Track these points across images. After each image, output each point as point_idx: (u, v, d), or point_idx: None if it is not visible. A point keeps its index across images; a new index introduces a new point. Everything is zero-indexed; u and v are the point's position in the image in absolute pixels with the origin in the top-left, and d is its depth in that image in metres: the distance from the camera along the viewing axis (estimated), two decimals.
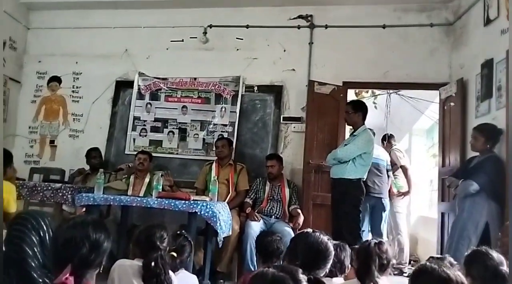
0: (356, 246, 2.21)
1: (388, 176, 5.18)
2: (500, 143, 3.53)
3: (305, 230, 2.05)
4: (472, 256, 2.06)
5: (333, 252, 1.87)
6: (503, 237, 2.78)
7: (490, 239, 3.26)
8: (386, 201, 5.01)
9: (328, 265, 1.84)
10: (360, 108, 4.18)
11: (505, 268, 1.90)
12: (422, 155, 7.49)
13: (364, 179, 4.11)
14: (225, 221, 3.57)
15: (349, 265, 2.17)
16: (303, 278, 1.25)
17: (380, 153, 5.10)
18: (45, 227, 1.76)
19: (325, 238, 1.88)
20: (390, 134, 5.70)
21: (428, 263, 1.52)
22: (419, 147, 7.56)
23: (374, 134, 5.34)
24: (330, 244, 1.87)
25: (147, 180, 4.64)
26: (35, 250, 1.71)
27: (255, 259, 4.05)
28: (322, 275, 1.80)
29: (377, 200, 4.93)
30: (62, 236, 1.42)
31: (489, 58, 3.88)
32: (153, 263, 1.94)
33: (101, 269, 1.50)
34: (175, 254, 2.33)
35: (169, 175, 4.77)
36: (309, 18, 5.26)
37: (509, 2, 3.30)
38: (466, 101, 4.36)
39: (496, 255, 1.98)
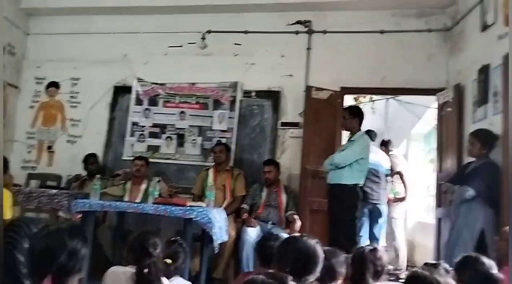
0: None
1: (387, 181, 5.17)
2: (496, 148, 3.52)
3: (293, 235, 2.04)
4: (462, 262, 2.06)
5: (322, 256, 1.85)
6: (500, 241, 2.77)
7: (486, 245, 3.25)
8: (383, 207, 5.01)
9: (318, 270, 1.82)
10: (357, 113, 4.19)
11: (495, 272, 1.90)
12: (420, 160, 7.49)
13: (361, 185, 4.10)
14: (220, 228, 3.56)
15: (343, 272, 2.16)
16: None
17: (380, 159, 5.10)
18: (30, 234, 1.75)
19: (313, 242, 1.86)
20: (388, 140, 5.71)
21: (420, 270, 1.52)
22: (417, 152, 7.55)
23: (376, 135, 5.37)
24: (319, 247, 1.86)
25: (144, 186, 4.63)
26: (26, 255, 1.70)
27: (251, 265, 4.05)
28: (312, 280, 1.79)
29: (374, 206, 4.93)
30: (38, 245, 1.40)
31: (486, 63, 3.88)
32: (146, 270, 1.94)
33: (83, 274, 1.48)
34: (169, 261, 2.32)
35: (172, 186, 4.73)
36: (307, 23, 5.27)
37: (509, 7, 3.30)
38: (463, 106, 4.36)
39: (486, 260, 1.98)
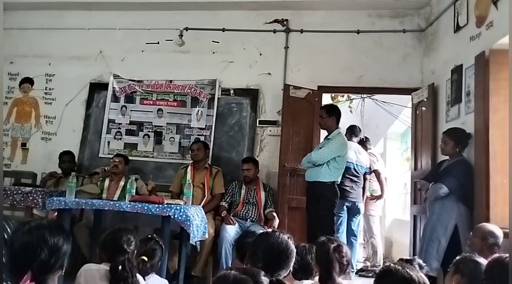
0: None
1: (365, 179, 5.24)
2: (469, 147, 3.61)
3: (265, 231, 2.05)
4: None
5: (294, 251, 1.87)
6: (473, 237, 2.84)
7: (459, 241, 3.33)
8: (361, 205, 5.07)
9: (291, 264, 1.84)
10: (333, 112, 4.22)
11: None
12: (397, 159, 7.62)
13: (339, 182, 4.14)
14: (198, 226, 3.55)
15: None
16: (265, 280, 1.26)
17: (362, 159, 5.14)
18: (9, 231, 1.73)
19: (285, 236, 1.88)
20: (365, 137, 5.78)
21: (392, 264, 1.54)
22: (393, 151, 7.68)
23: (360, 130, 5.42)
24: (291, 242, 1.88)
25: (122, 183, 4.57)
26: (5, 251, 1.68)
27: (230, 262, 4.05)
28: (285, 275, 1.81)
29: (353, 204, 4.98)
30: (18, 242, 1.38)
31: (459, 64, 3.98)
32: (120, 267, 1.92)
33: (63, 271, 1.47)
34: (145, 258, 2.31)
35: (152, 180, 4.70)
36: (284, 22, 5.30)
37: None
38: (437, 106, 4.46)
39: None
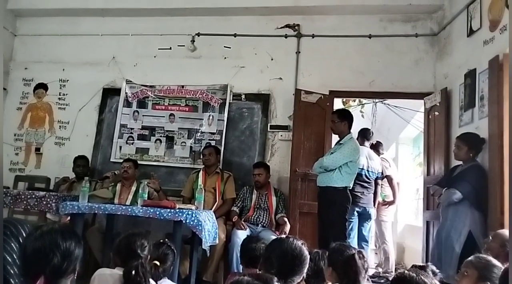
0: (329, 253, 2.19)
1: (377, 185, 5.19)
2: (482, 152, 3.57)
3: (279, 237, 2.05)
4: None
5: (308, 257, 1.86)
6: (492, 242, 2.79)
7: (474, 247, 3.28)
8: (371, 211, 5.01)
9: (305, 270, 1.83)
10: (345, 117, 4.20)
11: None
12: (409, 164, 7.56)
13: (351, 188, 4.12)
14: (209, 231, 3.55)
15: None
16: None
17: (373, 164, 5.06)
18: (24, 234, 1.75)
19: (299, 243, 1.87)
20: (378, 142, 5.74)
21: (406, 271, 1.53)
22: (405, 156, 7.63)
23: (372, 133, 5.34)
24: (305, 248, 1.87)
25: (133, 188, 4.59)
26: (15, 257, 1.69)
27: (241, 268, 4.04)
28: (298, 281, 1.80)
29: (363, 209, 4.93)
30: (31, 247, 1.39)
31: (472, 68, 3.94)
32: (133, 272, 1.92)
33: (75, 275, 1.47)
34: (158, 263, 2.32)
35: (155, 178, 4.72)
36: (296, 27, 5.31)
37: (509, 6, 3.33)
38: (450, 110, 4.42)
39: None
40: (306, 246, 1.88)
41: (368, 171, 4.99)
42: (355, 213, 4.87)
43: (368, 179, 5.00)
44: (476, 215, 3.37)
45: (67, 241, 1.41)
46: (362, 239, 4.97)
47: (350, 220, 4.73)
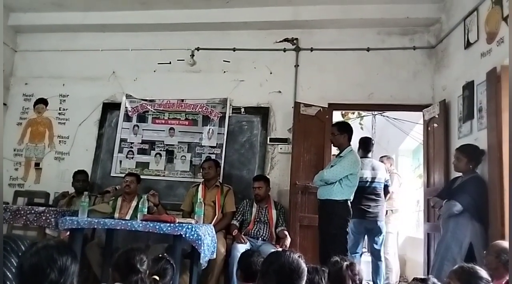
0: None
1: (387, 192, 5.06)
2: (482, 163, 3.57)
3: (275, 251, 2.04)
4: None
5: (306, 270, 1.85)
6: (487, 256, 2.79)
7: (475, 259, 3.26)
8: (382, 224, 4.81)
9: (303, 282, 1.82)
10: (345, 129, 4.21)
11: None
12: (409, 176, 7.55)
13: (351, 200, 4.09)
14: (208, 245, 3.53)
15: None
16: None
17: (379, 175, 4.88)
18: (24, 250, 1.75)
19: (295, 256, 1.86)
20: (385, 156, 5.72)
21: None
22: (405, 168, 7.62)
23: (372, 144, 5.23)
24: (302, 261, 1.86)
25: (134, 203, 4.54)
26: (15, 272, 1.69)
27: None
28: None
29: (373, 223, 4.76)
30: (27, 263, 1.39)
31: (470, 80, 3.97)
32: None
33: None
34: (157, 278, 2.30)
35: (155, 194, 4.70)
36: (294, 41, 5.35)
37: (510, 15, 3.36)
38: (449, 122, 4.43)
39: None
40: (303, 259, 1.87)
41: (373, 182, 4.82)
42: (363, 229, 4.74)
43: (376, 191, 4.83)
44: (477, 226, 3.36)
45: (63, 256, 1.42)
46: (374, 255, 4.79)
47: (355, 234, 4.66)
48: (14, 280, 1.66)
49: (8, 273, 1.69)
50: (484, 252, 2.88)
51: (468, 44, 4.12)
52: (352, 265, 2.02)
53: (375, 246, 4.83)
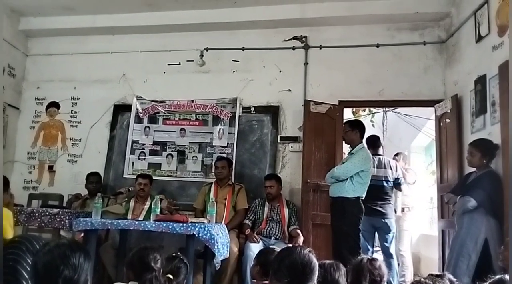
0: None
1: (400, 190, 5.03)
2: (496, 158, 3.52)
3: (286, 248, 2.04)
4: None
5: (317, 264, 1.85)
6: (505, 252, 2.74)
7: (490, 255, 3.22)
8: (391, 221, 4.79)
9: (315, 277, 1.81)
10: (357, 126, 4.20)
11: None
12: (422, 172, 7.48)
13: (363, 198, 4.06)
14: (222, 244, 3.54)
15: None
16: None
17: (389, 173, 4.84)
18: None
19: (306, 251, 1.86)
20: (399, 153, 5.68)
21: (423, 279, 1.51)
22: (418, 165, 7.55)
23: (380, 142, 5.16)
24: (312, 256, 1.85)
25: (147, 205, 4.55)
26: (30, 272, 1.71)
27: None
28: None
29: (380, 221, 4.73)
30: (41, 262, 1.41)
31: (482, 74, 3.92)
32: None
33: None
34: (171, 277, 2.30)
35: (171, 203, 4.74)
36: (303, 39, 5.33)
37: (510, 14, 3.33)
38: (461, 117, 4.38)
39: None
40: (314, 254, 1.87)
41: (382, 180, 4.79)
42: (372, 226, 4.70)
43: (384, 189, 4.79)
44: (492, 222, 3.32)
45: (76, 253, 1.44)
46: (385, 253, 4.74)
47: (364, 232, 4.61)
48: (30, 280, 1.68)
49: (24, 273, 1.71)
50: (501, 248, 2.84)
51: (479, 38, 4.07)
52: (374, 260, 2.01)
53: (385, 244, 4.80)
